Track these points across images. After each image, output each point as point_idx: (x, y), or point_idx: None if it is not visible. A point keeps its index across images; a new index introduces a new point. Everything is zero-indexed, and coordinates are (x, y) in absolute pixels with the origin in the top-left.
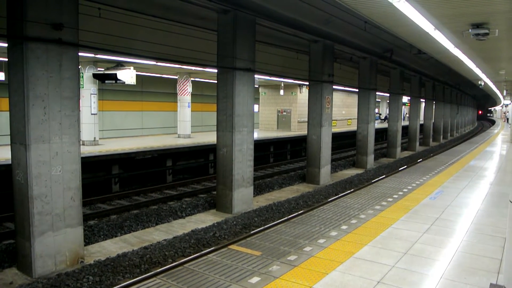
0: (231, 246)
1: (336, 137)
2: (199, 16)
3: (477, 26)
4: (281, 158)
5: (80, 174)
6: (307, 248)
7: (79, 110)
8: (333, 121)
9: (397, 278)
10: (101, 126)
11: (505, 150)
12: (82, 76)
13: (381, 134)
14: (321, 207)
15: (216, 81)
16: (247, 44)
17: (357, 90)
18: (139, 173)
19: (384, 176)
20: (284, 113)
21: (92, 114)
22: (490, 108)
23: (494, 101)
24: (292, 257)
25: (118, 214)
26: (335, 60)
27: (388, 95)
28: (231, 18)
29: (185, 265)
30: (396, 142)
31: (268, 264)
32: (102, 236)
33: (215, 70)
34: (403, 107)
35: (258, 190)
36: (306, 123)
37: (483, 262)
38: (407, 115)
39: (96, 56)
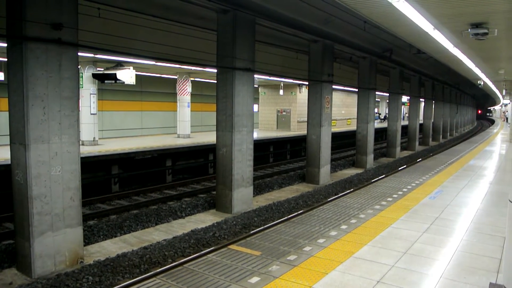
0: (231, 246)
1: (336, 137)
2: (198, 16)
3: (476, 25)
4: (281, 158)
5: (80, 174)
6: (307, 248)
7: (79, 110)
8: (332, 121)
9: (397, 277)
10: (101, 126)
11: (505, 149)
12: (82, 76)
13: (380, 134)
14: (321, 207)
15: (215, 81)
16: (247, 44)
17: (356, 89)
18: (139, 173)
19: (383, 175)
20: (284, 113)
21: (91, 114)
22: (489, 108)
23: (493, 101)
24: (291, 257)
25: (118, 214)
26: (335, 60)
27: (387, 94)
28: (231, 18)
29: (184, 265)
30: (396, 141)
31: (267, 264)
32: (101, 236)
33: (215, 70)
34: (402, 106)
35: (258, 190)
36: (306, 123)
37: (482, 261)
38: (407, 114)
39: (96, 56)
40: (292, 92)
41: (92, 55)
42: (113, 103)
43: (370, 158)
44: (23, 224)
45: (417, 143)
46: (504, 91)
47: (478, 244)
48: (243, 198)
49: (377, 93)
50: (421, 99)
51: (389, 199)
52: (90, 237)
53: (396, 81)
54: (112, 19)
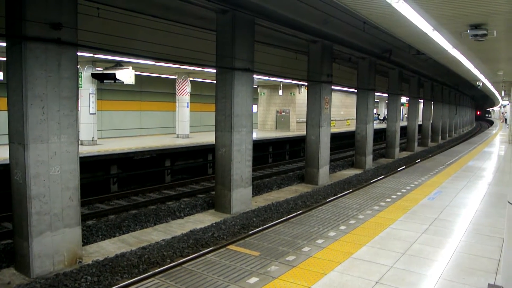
0: (230, 247)
1: (335, 137)
2: (198, 16)
3: (475, 27)
4: (280, 158)
5: (79, 174)
6: (306, 249)
7: (78, 110)
8: (331, 122)
9: (396, 278)
10: (100, 126)
11: (503, 150)
12: (81, 76)
13: (379, 135)
14: (320, 207)
15: (215, 81)
16: (246, 44)
17: (355, 90)
18: (138, 173)
19: (382, 176)
20: (283, 113)
21: (90, 114)
22: (488, 109)
23: (492, 102)
24: (290, 258)
25: (117, 214)
26: (334, 60)
27: (386, 95)
28: (230, 18)
29: (183, 265)
30: (395, 142)
31: (266, 264)
32: (100, 236)
33: (214, 70)
34: (401, 107)
35: (257, 190)
36: (305, 124)
37: (481, 262)
38: (406, 115)
39: (95, 56)
40: (291, 93)
41: (91, 55)
42: (112, 103)
43: (369, 158)
44: (22, 223)
45: (416, 144)
46: (503, 92)
47: (477, 245)
48: (242, 198)
49: (376, 94)
50: (420, 100)
51: (388, 200)
52: (88, 237)
53: (395, 81)
54: (111, 19)
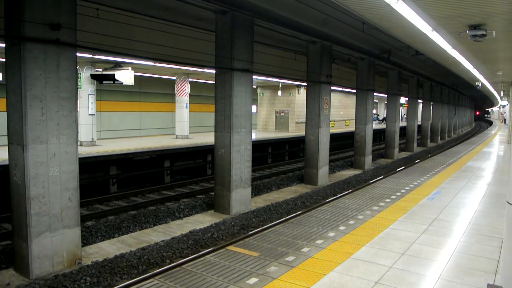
0: (229, 247)
1: (334, 138)
2: (197, 17)
3: (474, 27)
4: (279, 159)
5: (78, 174)
6: (305, 249)
7: (77, 111)
8: (331, 122)
9: (395, 278)
10: (99, 126)
11: (503, 151)
12: (80, 77)
13: (379, 135)
14: (319, 208)
15: (214, 82)
16: (245, 45)
17: (355, 91)
18: (137, 174)
19: (382, 177)
20: (282, 114)
21: (90, 114)
22: (487, 109)
23: (491, 102)
24: (290, 258)
25: (116, 215)
26: (333, 61)
27: (386, 96)
28: (229, 19)
29: (183, 266)
30: (394, 143)
31: (266, 265)
32: (99, 237)
33: (213, 71)
34: (401, 108)
35: (256, 191)
36: (304, 124)
37: (480, 262)
38: (405, 116)
39: (94, 56)
40: (290, 93)
41: (90, 55)
42: (112, 104)
43: (368, 159)
44: (21, 224)
45: (415, 144)
46: (502, 93)
47: (476, 245)
48: (242, 199)
49: (375, 94)
50: (419, 101)
51: (388, 200)
52: (88, 238)
53: (394, 82)
54: (110, 19)
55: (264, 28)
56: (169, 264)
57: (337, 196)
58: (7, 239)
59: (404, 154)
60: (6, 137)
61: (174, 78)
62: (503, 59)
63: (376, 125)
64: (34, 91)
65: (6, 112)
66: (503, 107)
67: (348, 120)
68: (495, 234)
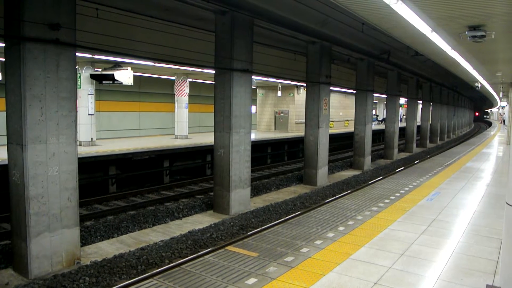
0: (228, 247)
1: (334, 138)
2: (197, 17)
3: (473, 28)
4: (279, 159)
5: (77, 174)
6: (304, 249)
7: (76, 111)
8: (330, 123)
9: (394, 279)
10: (98, 126)
11: (502, 151)
12: (80, 77)
13: (378, 136)
14: (318, 208)
15: (213, 82)
16: (245, 45)
17: (354, 91)
18: (136, 173)
19: (381, 177)
20: (282, 114)
21: (89, 114)
22: (486, 110)
23: (490, 103)
24: (289, 258)
25: (115, 215)
26: (333, 61)
27: (385, 96)
28: (229, 19)
29: (181, 266)
30: (393, 143)
31: (265, 265)
32: (98, 237)
33: (213, 71)
34: (400, 108)
35: (256, 191)
36: (304, 124)
37: (479, 263)
38: (404, 116)
39: (94, 56)
40: (290, 94)
41: (90, 55)
42: (111, 104)
43: (367, 159)
44: (20, 224)
45: (414, 145)
46: (501, 94)
47: (475, 246)
48: (241, 199)
49: (374, 95)
50: (418, 101)
51: (387, 200)
52: (87, 238)
53: (394, 83)
54: (110, 19)
55: (264, 29)
56: (168, 264)
57: (336, 196)
58: (6, 239)
59: (404, 155)
60: (6, 136)
61: (173, 78)
62: (503, 60)
63: (375, 126)
64: (34, 91)
65: (5, 112)
66: (502, 108)
67: (347, 120)
68: (494, 235)
